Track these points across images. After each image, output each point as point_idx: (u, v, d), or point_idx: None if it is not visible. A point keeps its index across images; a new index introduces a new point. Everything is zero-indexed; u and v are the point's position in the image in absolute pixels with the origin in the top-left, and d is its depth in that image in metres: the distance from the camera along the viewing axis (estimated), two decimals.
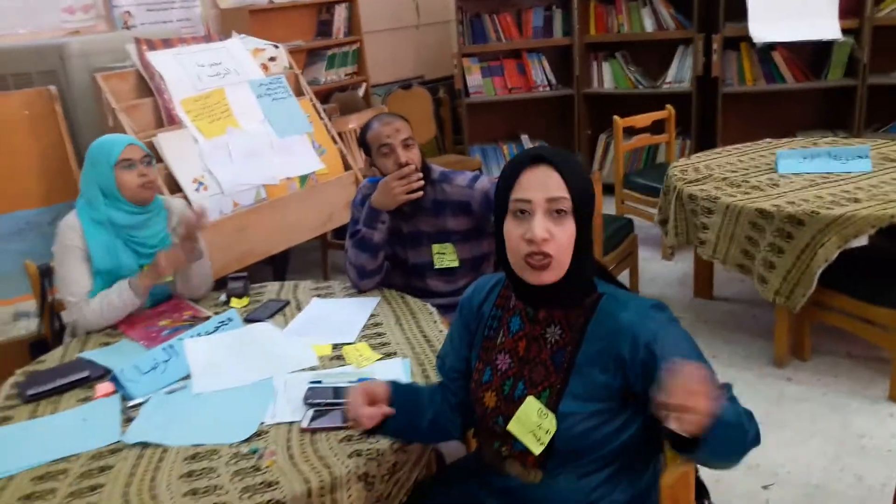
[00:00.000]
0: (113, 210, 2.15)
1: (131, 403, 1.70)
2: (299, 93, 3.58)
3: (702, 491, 1.47)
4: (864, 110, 4.41)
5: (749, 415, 1.19)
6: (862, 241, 2.56)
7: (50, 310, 2.49)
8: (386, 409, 1.38)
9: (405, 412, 1.42)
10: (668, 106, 4.05)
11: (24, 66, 3.35)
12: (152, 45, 3.11)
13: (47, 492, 1.41)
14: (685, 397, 1.01)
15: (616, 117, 3.91)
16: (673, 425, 1.04)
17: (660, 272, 3.83)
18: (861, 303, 2.56)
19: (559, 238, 1.25)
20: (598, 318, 1.30)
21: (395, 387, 1.44)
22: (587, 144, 5.20)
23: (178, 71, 3.11)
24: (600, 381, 1.27)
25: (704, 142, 4.78)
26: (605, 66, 5.02)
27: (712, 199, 2.79)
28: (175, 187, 2.90)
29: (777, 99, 4.77)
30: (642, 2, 4.82)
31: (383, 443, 1.45)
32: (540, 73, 5.17)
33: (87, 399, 1.76)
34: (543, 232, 1.24)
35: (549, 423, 1.28)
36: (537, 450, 1.29)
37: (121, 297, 2.11)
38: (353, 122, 4.33)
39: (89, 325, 2.10)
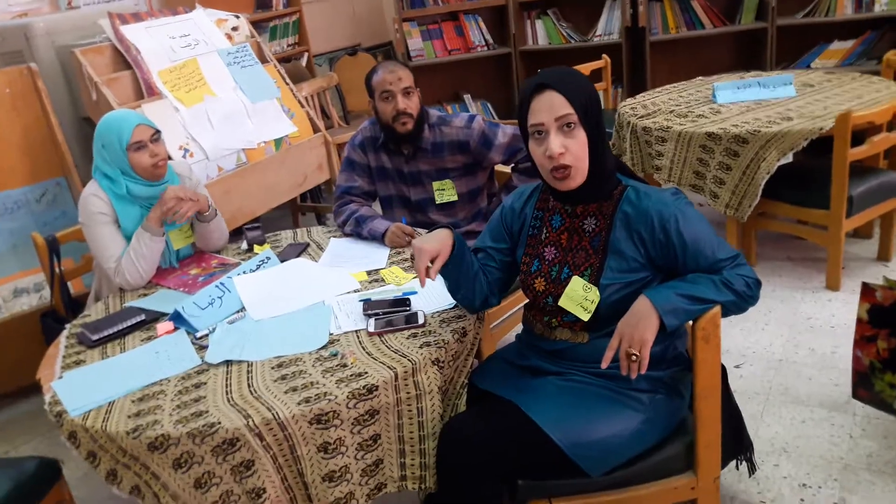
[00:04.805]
0: (131, 184, 2.25)
1: (199, 335, 1.87)
2: (263, 60, 3.70)
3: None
4: (775, 50, 4.86)
5: (725, 284, 1.51)
6: (788, 158, 2.92)
7: (60, 280, 2.59)
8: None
9: (462, 262, 1.68)
10: (604, 56, 4.36)
11: None
12: (124, 20, 3.17)
13: (154, 407, 1.58)
14: (623, 353, 1.47)
15: None
16: (623, 370, 1.47)
17: None
18: (799, 208, 2.95)
19: (573, 149, 1.51)
20: (623, 206, 1.58)
21: (458, 237, 1.68)
22: None
23: (152, 43, 3.20)
24: (630, 256, 1.56)
25: (635, 88, 5.13)
26: (539, 24, 5.30)
27: (665, 129, 3.11)
28: None
29: (697, 44, 5.17)
30: None
31: (447, 334, 1.69)
32: (477, 34, 5.41)
33: (150, 338, 1.91)
34: (559, 147, 1.50)
35: (594, 294, 1.56)
36: (586, 317, 1.56)
37: (143, 244, 2.22)
38: (305, 90, 4.45)
39: (131, 283, 2.22)
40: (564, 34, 5.27)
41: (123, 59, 3.17)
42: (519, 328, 1.82)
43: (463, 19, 5.38)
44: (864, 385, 1.95)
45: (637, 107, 3.49)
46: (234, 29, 3.64)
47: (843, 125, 2.69)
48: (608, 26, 5.17)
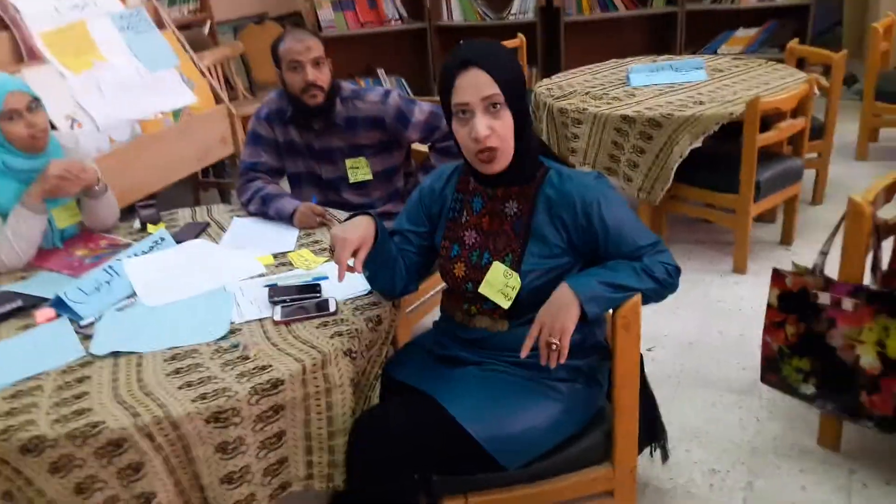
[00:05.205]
0: (8, 157, 2.03)
1: (83, 323, 1.69)
2: (160, 25, 3.44)
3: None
4: (684, 34, 4.95)
5: (646, 271, 1.47)
6: (697, 144, 2.95)
7: None
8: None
9: (384, 251, 1.57)
10: (520, 35, 4.31)
11: None
12: None
13: (29, 405, 1.40)
14: (543, 342, 1.40)
15: None
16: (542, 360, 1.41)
17: None
18: (708, 191, 2.99)
19: (500, 130, 1.44)
20: (545, 189, 1.52)
21: (380, 224, 1.57)
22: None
23: (33, 2, 2.90)
24: (552, 241, 1.50)
25: (549, 69, 5.12)
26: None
27: (580, 111, 3.09)
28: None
29: (611, 26, 5.21)
30: None
31: (360, 322, 1.59)
32: (391, 7, 5.26)
33: (27, 327, 1.72)
34: (485, 129, 1.42)
35: (515, 280, 1.49)
36: (506, 304, 1.50)
37: (21, 223, 2.00)
38: (207, 59, 4.20)
39: (7, 265, 2.00)
40: (480, 11, 5.19)
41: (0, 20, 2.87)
42: (436, 313, 1.74)
43: None
44: (773, 370, 1.98)
45: (553, 88, 3.45)
46: None
47: (752, 111, 2.73)
48: (523, 5, 5.13)
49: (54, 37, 2.94)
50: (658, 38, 5.23)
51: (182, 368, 1.48)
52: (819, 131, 3.37)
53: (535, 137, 1.55)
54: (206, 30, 5.09)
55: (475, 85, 1.42)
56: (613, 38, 5.27)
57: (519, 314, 1.51)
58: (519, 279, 1.49)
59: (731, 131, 2.90)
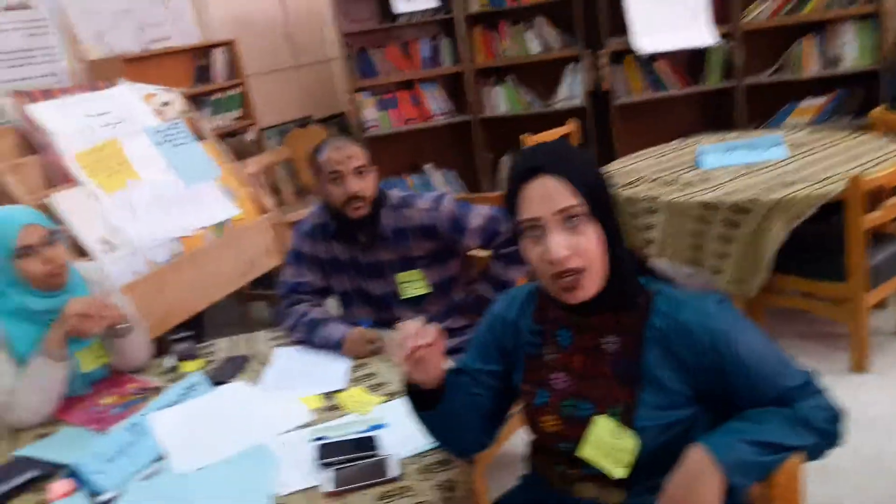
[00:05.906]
0: (25, 297, 1.82)
1: (103, 499, 1.42)
2: (200, 136, 3.32)
3: None
4: (745, 109, 4.68)
5: (802, 422, 1.15)
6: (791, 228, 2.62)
7: None
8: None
9: (455, 396, 1.29)
10: (571, 120, 4.09)
11: None
12: (32, 98, 2.77)
13: None
14: None
15: (524, 136, 3.89)
16: None
17: None
18: (812, 281, 2.62)
19: (584, 247, 1.15)
20: (653, 319, 1.20)
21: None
22: (489, 168, 5.19)
23: (66, 123, 2.79)
24: (671, 388, 1.18)
25: (602, 154, 4.88)
26: (498, 91, 5.04)
27: (652, 199, 2.80)
28: (81, 251, 2.57)
29: (664, 106, 4.96)
30: (525, 25, 4.89)
31: (428, 491, 1.27)
32: (434, 103, 5.13)
33: None
34: (562, 250, 1.13)
35: (628, 441, 1.16)
36: (621, 473, 1.16)
37: (40, 372, 1.78)
38: (252, 167, 4.09)
39: (26, 421, 1.77)
40: (525, 100, 5.02)
41: (30, 143, 2.75)
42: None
43: (419, 88, 5.11)
44: None
45: (616, 175, 3.18)
46: (165, 104, 3.26)
47: (855, 189, 2.40)
48: (571, 90, 4.94)
49: (87, 157, 2.81)
50: (714, 115, 4.96)
51: None
52: None
53: (629, 251, 1.25)
54: (252, 136, 5.03)
55: (546, 196, 1.14)
56: (667, 119, 5.01)
57: (637, 480, 1.18)
58: (633, 439, 1.16)
59: (822, 212, 2.56)
